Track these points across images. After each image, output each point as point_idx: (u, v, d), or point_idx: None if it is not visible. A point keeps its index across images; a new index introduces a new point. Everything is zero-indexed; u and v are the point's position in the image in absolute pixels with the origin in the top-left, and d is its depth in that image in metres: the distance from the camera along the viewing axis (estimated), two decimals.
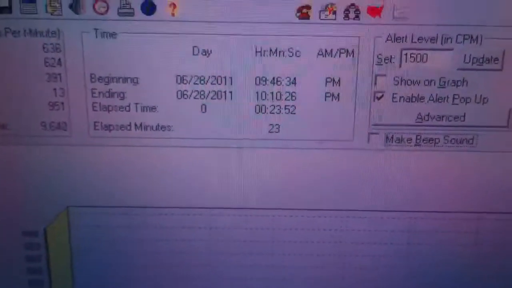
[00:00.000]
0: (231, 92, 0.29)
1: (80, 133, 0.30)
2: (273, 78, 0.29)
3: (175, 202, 0.31)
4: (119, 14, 0.28)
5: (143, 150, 0.30)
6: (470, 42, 0.28)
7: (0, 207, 0.31)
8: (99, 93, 0.29)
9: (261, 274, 0.33)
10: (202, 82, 0.29)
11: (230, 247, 0.32)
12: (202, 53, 0.28)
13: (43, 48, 0.28)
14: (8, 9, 0.28)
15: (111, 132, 0.30)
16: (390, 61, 0.29)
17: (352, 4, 0.28)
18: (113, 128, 0.30)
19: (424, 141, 0.30)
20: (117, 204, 0.31)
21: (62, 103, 0.29)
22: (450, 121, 0.29)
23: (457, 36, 0.28)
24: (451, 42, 0.28)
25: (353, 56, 0.29)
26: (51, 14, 0.28)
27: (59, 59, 0.28)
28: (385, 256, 0.32)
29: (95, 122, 0.30)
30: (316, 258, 0.32)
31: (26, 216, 0.31)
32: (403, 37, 0.28)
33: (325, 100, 0.29)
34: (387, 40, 0.28)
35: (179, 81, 0.29)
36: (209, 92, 0.29)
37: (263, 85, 0.29)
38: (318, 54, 0.29)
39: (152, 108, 0.29)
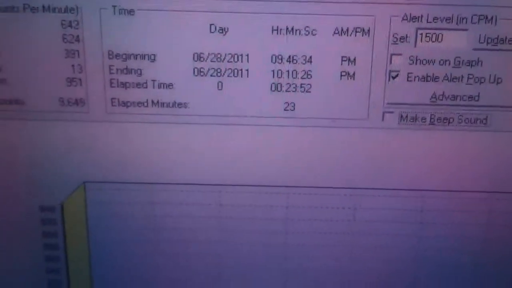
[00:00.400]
0: (247, 70, 0.29)
1: (97, 109, 0.30)
2: (289, 57, 0.29)
3: (189, 179, 0.31)
4: None
5: (159, 126, 0.30)
6: (485, 23, 0.28)
7: (18, 182, 0.31)
8: (117, 69, 0.29)
9: (274, 252, 0.33)
10: (219, 59, 0.29)
11: (243, 224, 0.32)
12: (219, 31, 0.29)
13: (61, 24, 0.29)
14: None
15: (128, 108, 0.30)
16: (406, 40, 0.29)
17: None
18: (130, 104, 0.30)
19: (438, 120, 0.30)
20: (133, 180, 0.31)
21: (80, 80, 0.29)
22: (464, 100, 0.30)
23: (472, 16, 0.28)
24: (466, 22, 0.28)
25: (368, 35, 0.29)
26: None
27: (77, 36, 0.29)
28: (398, 235, 0.32)
29: (112, 99, 0.30)
30: (329, 236, 0.33)
31: (44, 191, 0.31)
32: (418, 17, 0.28)
33: (341, 79, 0.29)
34: (403, 19, 0.28)
35: (196, 58, 0.29)
36: (226, 70, 0.29)
37: (279, 63, 0.29)
38: (334, 32, 0.29)
39: (169, 85, 0.30)
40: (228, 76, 0.29)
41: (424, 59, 0.29)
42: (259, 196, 0.32)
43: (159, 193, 0.31)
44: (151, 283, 0.34)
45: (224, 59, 0.29)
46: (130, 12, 0.28)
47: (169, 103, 0.30)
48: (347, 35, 0.29)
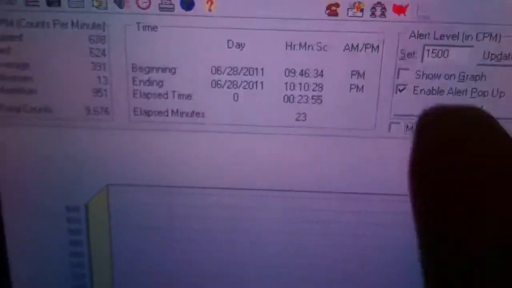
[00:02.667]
0: (262, 82, 0.31)
1: (121, 118, 0.32)
2: (302, 70, 0.31)
3: (205, 182, 0.33)
4: (160, 9, 0.30)
5: (178, 134, 0.32)
6: (490, 40, 0.30)
7: (47, 183, 0.33)
8: (140, 81, 0.31)
9: (285, 250, 0.35)
10: (235, 72, 0.31)
11: (256, 225, 0.34)
12: (236, 46, 0.30)
13: (89, 39, 0.30)
14: (57, 3, 0.30)
15: (150, 117, 0.32)
16: (413, 56, 0.30)
17: (379, 2, 0.29)
18: (151, 113, 0.32)
19: None
20: (153, 183, 0.33)
21: (105, 90, 0.31)
22: None
23: (477, 34, 0.30)
24: (471, 39, 0.30)
25: (377, 51, 0.30)
26: (97, 8, 0.30)
27: (104, 50, 0.31)
28: (401, 237, 0.34)
29: (135, 108, 0.32)
30: (335, 237, 0.34)
31: (70, 192, 0.34)
32: (426, 34, 0.30)
33: (350, 91, 0.31)
34: (410, 36, 0.30)
35: (214, 71, 0.31)
36: (242, 82, 0.31)
37: (292, 76, 0.31)
38: (345, 48, 0.30)
39: (188, 96, 0.31)
40: (243, 88, 0.31)
41: (430, 74, 0.31)
42: (270, 199, 0.34)
43: (176, 196, 0.33)
44: (170, 281, 0.36)
45: (240, 72, 0.31)
46: (153, 28, 0.30)
47: (188, 112, 0.32)
48: (357, 51, 0.30)
